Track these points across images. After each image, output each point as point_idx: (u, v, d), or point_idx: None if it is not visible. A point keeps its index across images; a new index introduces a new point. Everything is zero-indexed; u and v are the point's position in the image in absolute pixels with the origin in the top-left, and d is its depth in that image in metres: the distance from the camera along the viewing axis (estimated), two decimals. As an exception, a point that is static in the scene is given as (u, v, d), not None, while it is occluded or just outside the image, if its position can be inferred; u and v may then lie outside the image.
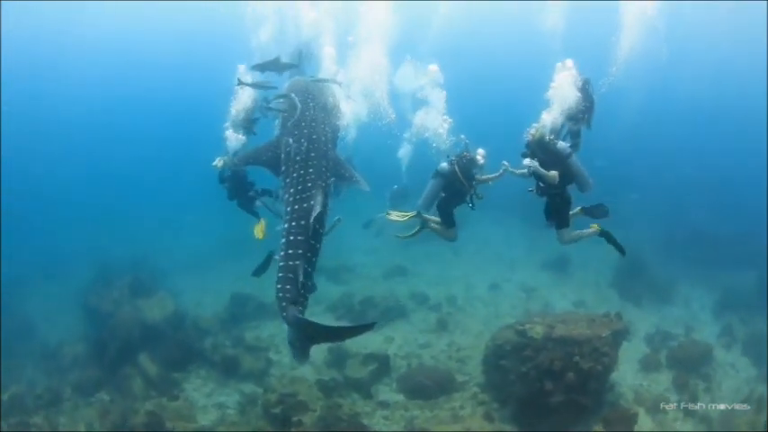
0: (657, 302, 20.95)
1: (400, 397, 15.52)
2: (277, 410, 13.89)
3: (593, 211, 9.16)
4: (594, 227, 9.15)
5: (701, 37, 30.19)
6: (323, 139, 8.02)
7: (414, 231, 9.86)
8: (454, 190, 9.15)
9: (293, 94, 8.72)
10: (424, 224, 9.71)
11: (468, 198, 9.18)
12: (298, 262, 7.02)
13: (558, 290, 22.09)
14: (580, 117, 8.81)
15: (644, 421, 14.13)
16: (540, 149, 8.46)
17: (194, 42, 35.95)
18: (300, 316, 6.71)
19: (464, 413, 14.56)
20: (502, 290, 22.23)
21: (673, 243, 24.48)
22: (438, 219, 9.58)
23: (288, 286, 6.90)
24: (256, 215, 11.75)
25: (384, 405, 15.10)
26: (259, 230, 11.62)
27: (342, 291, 21.28)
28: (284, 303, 6.83)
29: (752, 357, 17.38)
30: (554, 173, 8.51)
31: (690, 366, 16.48)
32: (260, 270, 11.03)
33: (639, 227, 24.09)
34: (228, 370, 16.33)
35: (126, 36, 38.64)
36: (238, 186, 11.43)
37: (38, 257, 24.83)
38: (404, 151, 12.55)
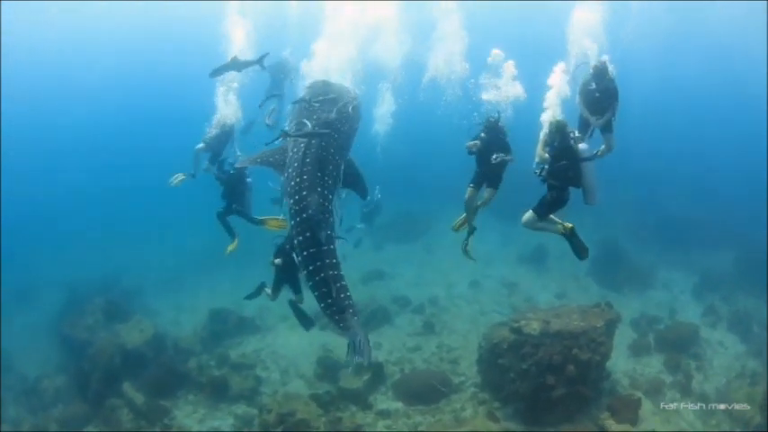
0: (638, 288, 21.27)
1: (399, 404, 15.25)
2: (278, 431, 13.47)
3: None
4: (562, 228, 8.70)
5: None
6: (323, 144, 7.67)
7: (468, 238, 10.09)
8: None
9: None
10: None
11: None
12: (322, 274, 6.92)
13: (539, 283, 22.18)
14: (604, 109, 8.53)
15: (643, 405, 14.13)
16: (560, 139, 8.23)
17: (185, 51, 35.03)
18: (357, 325, 6.84)
19: (466, 414, 14.45)
20: (483, 287, 22.10)
21: (647, 229, 24.89)
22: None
23: (329, 300, 6.88)
24: (231, 233, 11.48)
25: (385, 414, 14.81)
26: (231, 248, 11.63)
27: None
28: (336, 317, 6.86)
29: (738, 334, 17.85)
30: (546, 155, 8.34)
31: (679, 347, 16.83)
32: (251, 296, 10.86)
33: (613, 214, 24.52)
34: (218, 392, 15.71)
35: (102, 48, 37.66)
36: (234, 186, 11.13)
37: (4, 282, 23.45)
38: (378, 127, 12.29)
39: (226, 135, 11.64)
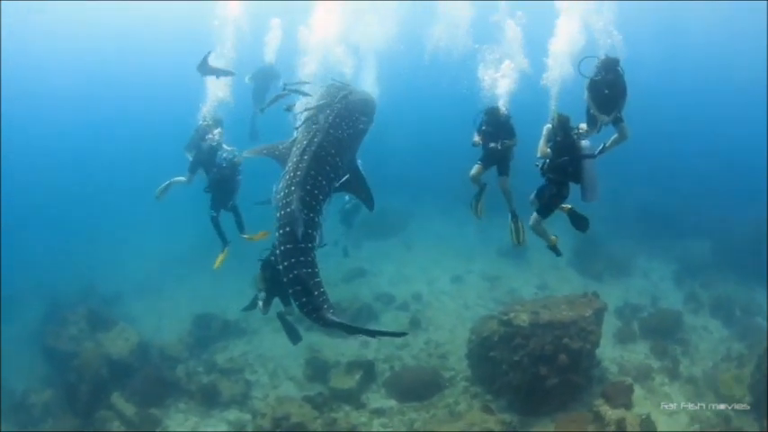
0: (618, 277, 21.60)
1: (392, 402, 15.22)
2: (275, 435, 13.35)
3: (577, 219, 8.78)
4: (554, 239, 8.91)
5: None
6: (324, 143, 7.58)
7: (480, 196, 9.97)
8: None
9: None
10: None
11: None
12: (296, 271, 6.76)
13: (520, 276, 22.31)
14: (613, 106, 8.43)
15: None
16: (562, 134, 8.26)
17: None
18: (334, 318, 6.67)
19: (460, 409, 14.48)
20: (465, 281, 22.19)
21: (623, 219, 25.02)
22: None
23: (304, 299, 6.71)
24: (223, 238, 11.29)
25: (379, 412, 14.77)
26: (219, 261, 11.34)
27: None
28: (313, 315, 6.70)
29: (720, 319, 18.34)
30: (548, 150, 8.35)
31: (664, 333, 17.21)
32: (247, 309, 10.80)
33: (590, 205, 24.85)
34: (208, 399, 15.46)
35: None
36: (225, 181, 10.90)
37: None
38: None
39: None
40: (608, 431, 12.23)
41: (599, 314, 14.90)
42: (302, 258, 6.80)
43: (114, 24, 34.69)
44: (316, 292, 6.68)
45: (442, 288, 21.80)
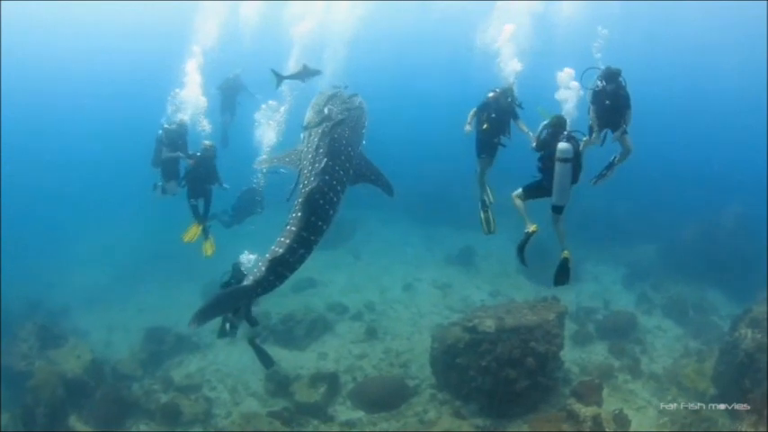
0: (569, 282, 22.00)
1: (361, 413, 15.01)
2: (250, 455, 12.90)
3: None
4: (533, 228, 9.13)
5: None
6: (335, 135, 7.87)
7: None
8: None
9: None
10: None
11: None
12: (282, 246, 6.98)
13: (471, 283, 22.53)
14: (617, 118, 8.56)
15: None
16: (555, 128, 8.38)
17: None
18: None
19: (430, 416, 14.44)
20: (416, 290, 22.20)
21: (570, 225, 25.58)
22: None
23: (278, 267, 6.91)
24: (197, 215, 11.39)
25: (349, 424, 14.53)
26: (190, 234, 11.49)
27: (254, 311, 20.13)
28: (264, 275, 6.86)
29: (674, 318, 19.08)
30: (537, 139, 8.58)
31: (620, 334, 17.82)
32: (220, 335, 10.58)
33: (533, 212, 25.45)
34: (170, 419, 14.72)
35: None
36: (202, 170, 11.01)
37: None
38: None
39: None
40: (584, 429, 12.44)
41: (561, 318, 15.30)
42: (294, 245, 6.95)
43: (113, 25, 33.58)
44: (289, 273, 6.95)
45: (395, 296, 21.74)
